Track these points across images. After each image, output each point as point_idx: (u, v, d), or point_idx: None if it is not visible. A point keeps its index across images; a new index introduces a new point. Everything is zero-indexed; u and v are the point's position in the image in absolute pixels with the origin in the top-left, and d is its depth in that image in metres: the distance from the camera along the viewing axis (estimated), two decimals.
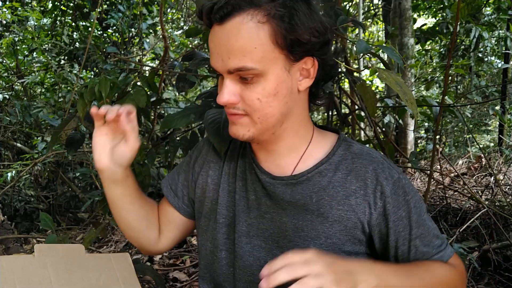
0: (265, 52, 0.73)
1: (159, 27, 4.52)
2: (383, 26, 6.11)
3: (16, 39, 4.69)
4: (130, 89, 1.58)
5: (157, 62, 4.64)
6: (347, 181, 0.84)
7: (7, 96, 4.51)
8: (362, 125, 2.87)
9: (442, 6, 5.15)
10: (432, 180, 2.68)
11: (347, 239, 0.84)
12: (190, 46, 5.27)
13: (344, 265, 0.70)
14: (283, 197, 0.86)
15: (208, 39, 0.78)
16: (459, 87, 6.25)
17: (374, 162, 0.84)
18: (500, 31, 5.35)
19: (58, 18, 5.03)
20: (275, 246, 0.88)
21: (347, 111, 2.35)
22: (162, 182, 1.05)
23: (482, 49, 5.35)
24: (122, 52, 4.74)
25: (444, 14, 4.94)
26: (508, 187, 3.61)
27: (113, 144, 0.91)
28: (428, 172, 2.33)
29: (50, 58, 4.54)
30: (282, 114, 0.80)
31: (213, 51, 0.77)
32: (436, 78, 4.99)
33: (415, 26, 5.21)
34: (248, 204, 0.90)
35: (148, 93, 1.67)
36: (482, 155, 4.00)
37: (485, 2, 4.69)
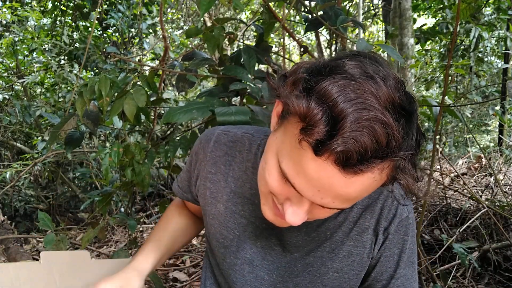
0: None
1: (159, 27, 4.52)
2: (383, 26, 6.11)
3: (16, 39, 4.68)
4: (130, 89, 1.58)
5: (157, 62, 4.64)
6: (362, 217, 0.81)
7: (7, 96, 4.51)
8: None
9: (442, 6, 5.15)
10: (432, 180, 2.68)
11: (354, 273, 0.84)
12: (190, 46, 5.27)
13: None
14: (296, 235, 0.83)
15: (309, 163, 0.58)
16: (459, 87, 6.25)
17: (389, 198, 0.81)
18: (500, 31, 5.35)
19: (58, 18, 5.03)
20: (279, 280, 0.86)
21: None
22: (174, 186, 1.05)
23: (482, 49, 5.35)
24: (122, 52, 4.74)
25: (444, 14, 4.94)
26: (508, 187, 3.60)
27: None
28: (428, 172, 2.33)
29: (50, 58, 4.54)
30: None
31: (312, 184, 0.60)
32: (436, 78, 4.99)
33: (415, 26, 5.20)
34: (256, 232, 0.85)
35: (148, 93, 1.67)
36: (482, 155, 4.00)
37: (485, 2, 4.69)
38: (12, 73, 4.88)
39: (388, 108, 0.56)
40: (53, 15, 5.02)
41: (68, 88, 4.44)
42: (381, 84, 0.57)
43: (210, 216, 0.89)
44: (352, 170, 0.56)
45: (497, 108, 5.31)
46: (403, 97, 0.58)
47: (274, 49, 5.34)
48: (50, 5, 5.05)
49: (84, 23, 5.01)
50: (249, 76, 1.50)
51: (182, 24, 7.08)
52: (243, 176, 0.85)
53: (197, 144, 0.93)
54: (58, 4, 4.90)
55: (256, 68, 1.57)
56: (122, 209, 3.32)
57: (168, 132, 2.27)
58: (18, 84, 4.73)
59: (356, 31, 6.28)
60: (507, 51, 5.07)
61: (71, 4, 4.79)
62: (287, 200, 0.66)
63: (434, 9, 5.88)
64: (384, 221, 0.81)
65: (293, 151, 0.60)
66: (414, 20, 5.19)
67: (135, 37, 5.01)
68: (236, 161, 0.86)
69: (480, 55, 5.38)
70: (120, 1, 4.49)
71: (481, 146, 6.16)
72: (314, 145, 0.56)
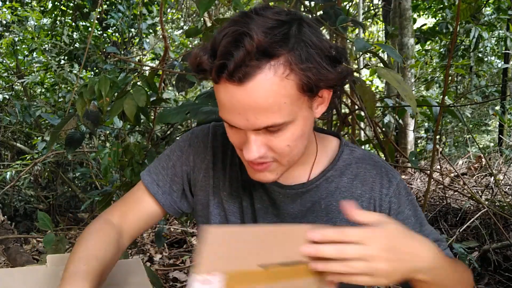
0: (293, 102, 0.68)
1: (159, 27, 4.52)
2: (383, 26, 6.11)
3: (16, 39, 4.69)
4: (130, 89, 1.58)
5: (157, 62, 4.64)
6: (353, 186, 0.85)
7: (7, 96, 4.51)
8: (362, 125, 2.87)
9: (442, 6, 5.15)
10: (432, 180, 2.68)
11: None
12: (190, 46, 5.28)
13: (405, 248, 0.64)
14: (292, 206, 0.86)
15: (218, 93, 0.69)
16: (459, 87, 6.25)
17: (377, 167, 0.86)
18: (500, 31, 5.35)
19: (58, 18, 5.03)
20: None
21: (347, 111, 2.35)
22: (143, 175, 0.95)
23: (482, 49, 5.35)
24: (122, 52, 4.75)
25: (444, 14, 4.94)
26: (508, 187, 3.61)
27: None
28: (428, 172, 2.33)
29: (50, 58, 4.54)
30: (305, 147, 0.79)
31: (231, 110, 0.68)
32: (436, 78, 5.00)
33: (415, 26, 5.21)
34: (255, 213, 0.89)
35: (148, 93, 1.67)
36: (482, 155, 4.00)
37: (485, 2, 4.68)
38: (12, 73, 4.88)
39: (258, 24, 0.65)
40: (53, 15, 5.03)
41: (68, 88, 4.44)
42: (251, 14, 0.67)
43: (214, 206, 0.91)
44: (241, 77, 0.64)
45: (497, 108, 5.31)
46: (277, 14, 0.68)
47: None
48: (50, 5, 5.05)
49: (84, 23, 5.02)
50: None
51: (182, 24, 7.08)
52: (238, 161, 0.90)
53: (186, 140, 0.95)
54: (58, 4, 4.90)
55: None
56: None
57: (168, 132, 2.28)
58: (18, 84, 4.74)
59: (356, 31, 6.28)
60: (507, 51, 5.08)
61: (71, 4, 4.79)
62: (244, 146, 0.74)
63: (434, 9, 5.88)
64: (380, 187, 0.84)
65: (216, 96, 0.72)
66: (414, 20, 5.19)
67: (135, 37, 5.01)
68: (230, 149, 0.91)
69: (480, 55, 5.39)
70: (120, 1, 4.49)
71: (481, 146, 6.17)
72: (212, 76, 0.67)
